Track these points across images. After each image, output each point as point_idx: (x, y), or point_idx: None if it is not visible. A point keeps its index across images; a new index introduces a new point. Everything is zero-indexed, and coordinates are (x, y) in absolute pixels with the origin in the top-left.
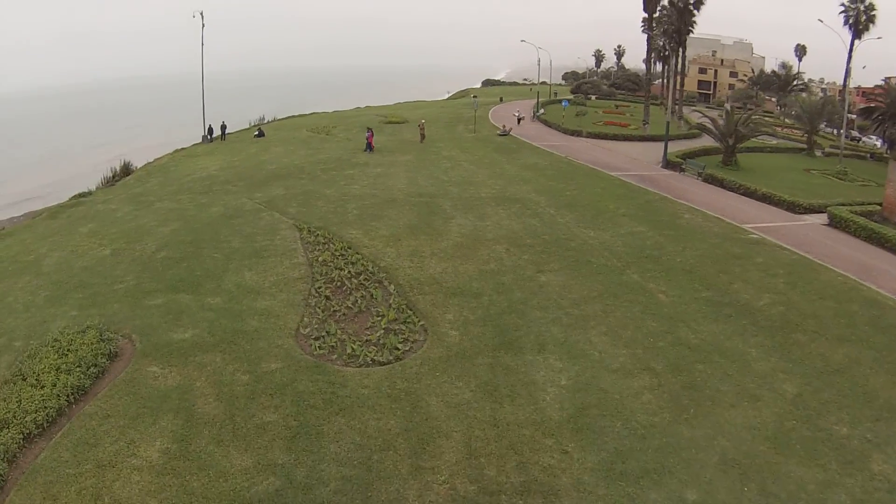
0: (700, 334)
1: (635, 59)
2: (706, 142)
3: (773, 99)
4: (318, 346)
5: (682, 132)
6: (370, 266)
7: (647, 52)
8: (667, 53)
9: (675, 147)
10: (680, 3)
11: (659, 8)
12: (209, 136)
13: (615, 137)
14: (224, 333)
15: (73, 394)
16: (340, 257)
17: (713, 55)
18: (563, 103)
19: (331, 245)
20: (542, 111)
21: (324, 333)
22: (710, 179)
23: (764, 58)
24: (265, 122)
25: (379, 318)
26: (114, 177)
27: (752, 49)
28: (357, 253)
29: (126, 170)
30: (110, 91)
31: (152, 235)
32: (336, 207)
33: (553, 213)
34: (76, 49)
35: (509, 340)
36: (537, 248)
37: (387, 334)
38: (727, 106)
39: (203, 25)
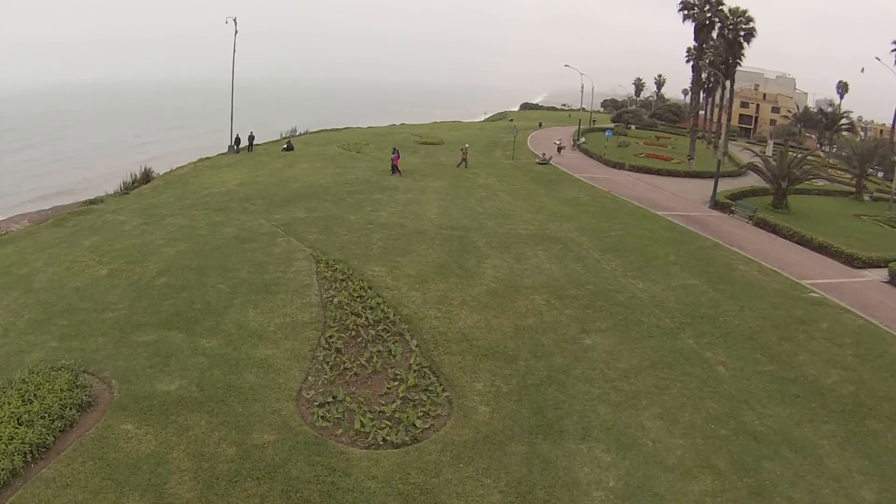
0: (766, 419)
1: (674, 88)
2: (753, 180)
3: (814, 137)
4: (322, 416)
5: (728, 169)
6: (391, 314)
7: (694, 82)
8: (711, 85)
9: (721, 185)
10: (730, 35)
11: (686, 49)
12: (236, 147)
13: (659, 172)
14: (215, 388)
15: (31, 452)
16: (358, 300)
17: (755, 89)
18: (606, 133)
19: (349, 283)
20: (582, 140)
21: (330, 399)
22: (762, 224)
23: (807, 94)
24: (296, 134)
25: (396, 384)
26: (133, 182)
27: (795, 84)
28: (378, 296)
29: (146, 177)
30: (151, 93)
31: (156, 256)
32: (359, 237)
33: (598, 257)
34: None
35: (548, 422)
36: (581, 300)
37: (404, 405)
38: (771, 142)
39: (236, 32)
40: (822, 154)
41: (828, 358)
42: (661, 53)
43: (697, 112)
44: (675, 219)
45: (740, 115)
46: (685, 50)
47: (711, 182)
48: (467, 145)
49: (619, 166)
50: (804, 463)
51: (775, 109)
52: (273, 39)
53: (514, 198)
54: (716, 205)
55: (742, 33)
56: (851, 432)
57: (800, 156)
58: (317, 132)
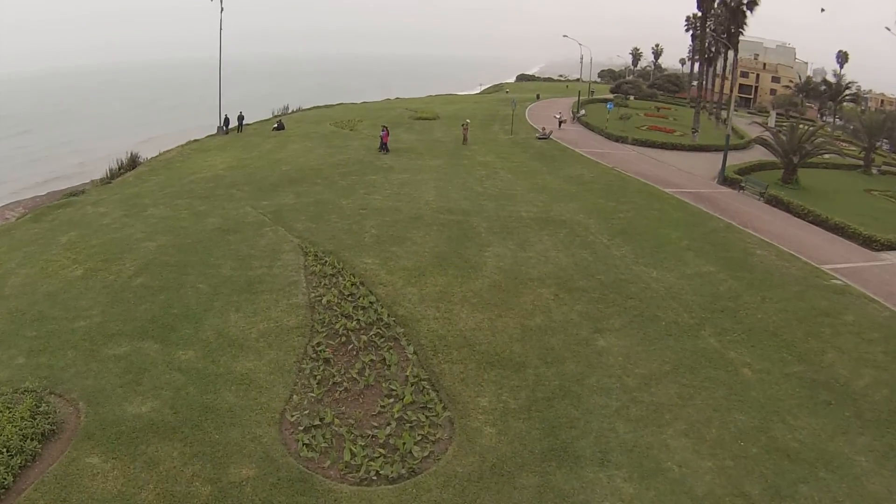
0: (798, 433)
1: (671, 58)
2: (760, 153)
3: (815, 107)
4: (307, 444)
5: (734, 143)
6: (385, 315)
7: (698, 53)
8: (711, 55)
9: (728, 160)
10: (732, 3)
11: (685, 17)
12: (225, 128)
13: (663, 146)
14: (190, 410)
15: None
16: (349, 299)
17: (755, 59)
18: (608, 105)
19: (339, 279)
20: (582, 112)
21: (317, 422)
22: (774, 202)
23: (807, 63)
24: (289, 112)
25: (391, 401)
26: (119, 169)
27: (795, 53)
28: (371, 293)
29: (132, 162)
30: (149, 70)
31: (134, 253)
32: (352, 224)
33: (606, 242)
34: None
35: (562, 444)
36: (592, 293)
37: (399, 428)
38: (773, 113)
39: (222, 9)
40: (819, 123)
41: (857, 356)
42: (658, 21)
43: (701, 83)
44: (684, 197)
45: (740, 84)
46: (684, 18)
47: (718, 156)
48: (468, 121)
49: (621, 140)
50: (842, 485)
51: (775, 79)
52: (273, 7)
53: (516, 176)
54: (725, 181)
55: (745, 1)
56: (889, 446)
57: (810, 129)
58: (310, 109)
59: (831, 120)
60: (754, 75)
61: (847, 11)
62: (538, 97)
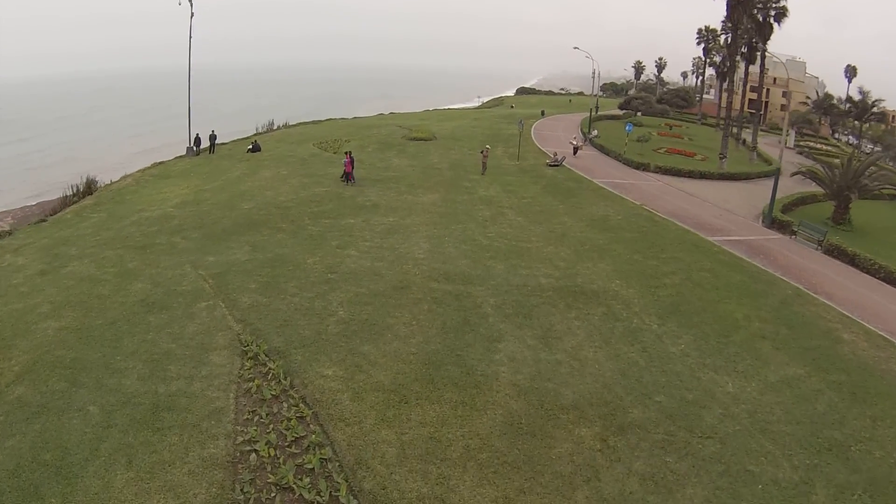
0: None
1: (672, 70)
2: (791, 182)
3: (827, 124)
4: None
5: (761, 169)
6: (344, 491)
7: (715, 66)
8: (726, 69)
9: (756, 188)
10: (759, 15)
11: (722, 19)
12: (195, 148)
13: (690, 175)
14: None
15: None
16: (292, 449)
17: (766, 71)
18: (627, 128)
19: (283, 407)
20: (594, 133)
21: None
22: (834, 251)
23: (818, 78)
24: (273, 128)
25: None
26: (74, 195)
27: (805, 68)
28: (326, 438)
29: (88, 189)
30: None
31: (28, 339)
32: (314, 300)
33: (657, 329)
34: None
35: None
36: (653, 433)
37: None
38: (792, 132)
39: (192, 14)
40: (831, 141)
41: None
42: (657, 33)
43: (731, 100)
44: (734, 248)
45: (749, 100)
46: (696, 31)
47: (750, 186)
48: (488, 147)
49: (643, 168)
50: None
51: (786, 94)
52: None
53: (527, 219)
54: (773, 222)
55: (773, 13)
56: None
57: (868, 159)
58: (295, 125)
59: (845, 139)
60: (764, 90)
61: (847, 24)
62: (543, 113)
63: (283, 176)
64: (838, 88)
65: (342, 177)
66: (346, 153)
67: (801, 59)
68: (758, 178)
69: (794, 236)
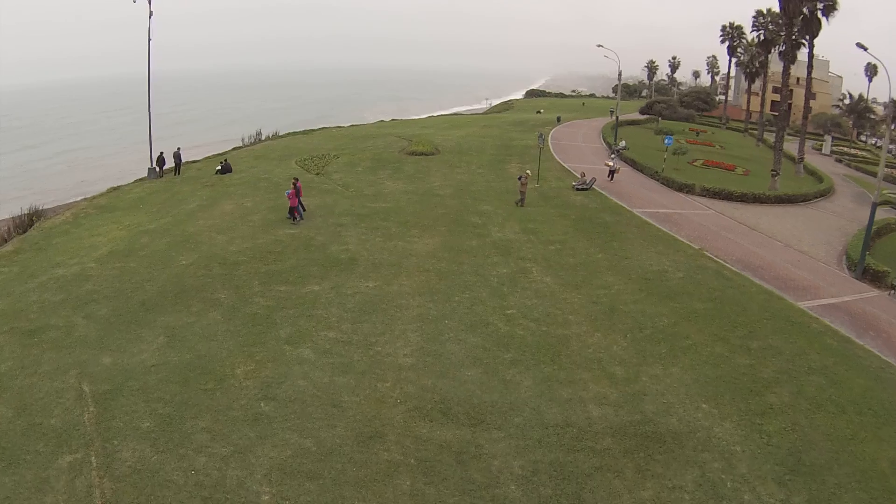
0: None
1: (683, 69)
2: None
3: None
4: None
5: (819, 188)
6: None
7: (742, 66)
8: (755, 69)
9: (820, 215)
10: (806, 9)
11: (754, 14)
12: (158, 169)
13: (743, 199)
14: None
15: None
16: None
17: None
18: (667, 140)
19: None
20: (622, 144)
21: None
22: None
23: (841, 77)
24: (262, 139)
25: None
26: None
27: (829, 66)
28: None
29: (32, 219)
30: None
31: None
32: (226, 465)
33: None
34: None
35: None
36: None
37: None
38: (829, 139)
39: (151, 13)
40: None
41: None
42: (666, 30)
43: (787, 106)
44: (833, 318)
45: (772, 101)
46: (720, 28)
47: (811, 212)
48: (528, 173)
49: (686, 190)
50: None
51: (811, 95)
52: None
53: (559, 278)
54: (864, 272)
55: (821, 6)
56: None
57: None
58: (284, 136)
59: (872, 142)
60: (788, 91)
61: (854, 19)
62: (559, 120)
63: (245, 211)
64: (857, 87)
65: (289, 215)
66: (292, 181)
67: (823, 58)
68: (815, 200)
69: (892, 292)
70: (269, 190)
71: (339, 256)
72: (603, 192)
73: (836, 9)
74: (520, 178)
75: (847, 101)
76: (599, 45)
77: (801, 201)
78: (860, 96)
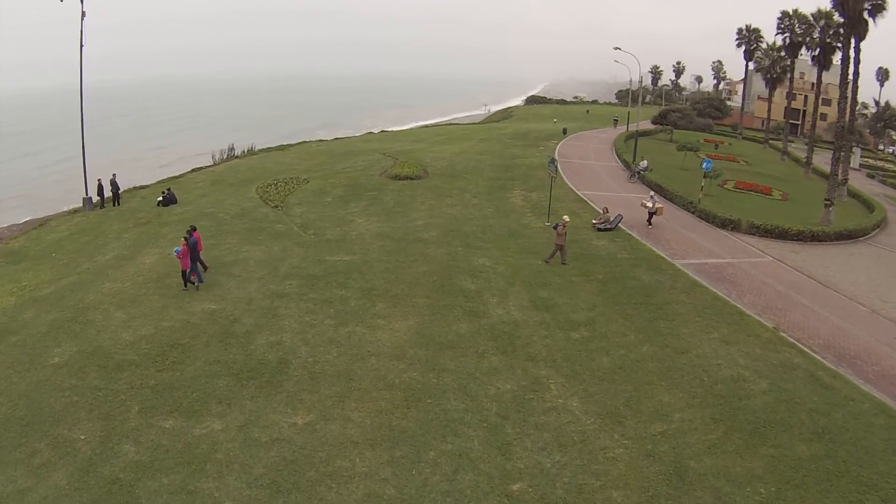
0: None
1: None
2: None
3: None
4: None
5: (875, 219)
6: None
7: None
8: (777, 74)
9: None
10: (850, 10)
11: (779, 16)
12: (99, 198)
13: (799, 237)
14: None
15: None
16: None
17: (801, 78)
18: (705, 165)
19: None
20: (644, 164)
21: None
22: None
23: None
24: (235, 154)
25: None
26: None
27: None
28: None
29: None
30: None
31: None
32: None
33: None
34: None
35: None
36: None
37: None
38: (857, 151)
39: (83, 14)
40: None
41: None
42: (668, 37)
43: (851, 122)
44: None
45: (785, 108)
46: (736, 31)
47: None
48: (566, 218)
49: (731, 226)
50: None
51: (825, 101)
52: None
53: (590, 401)
54: None
55: (868, 6)
56: None
57: None
58: (257, 152)
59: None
60: (801, 97)
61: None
62: (565, 132)
63: (166, 266)
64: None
65: (182, 279)
66: (188, 230)
67: (837, 63)
68: (875, 233)
69: None
70: (208, 231)
71: (265, 356)
72: (631, 233)
73: (885, 8)
74: (555, 228)
75: (873, 110)
76: (617, 48)
77: (863, 236)
78: (887, 104)
